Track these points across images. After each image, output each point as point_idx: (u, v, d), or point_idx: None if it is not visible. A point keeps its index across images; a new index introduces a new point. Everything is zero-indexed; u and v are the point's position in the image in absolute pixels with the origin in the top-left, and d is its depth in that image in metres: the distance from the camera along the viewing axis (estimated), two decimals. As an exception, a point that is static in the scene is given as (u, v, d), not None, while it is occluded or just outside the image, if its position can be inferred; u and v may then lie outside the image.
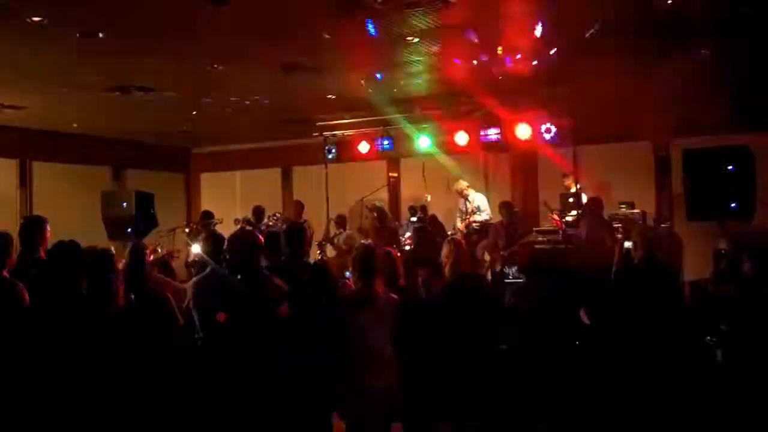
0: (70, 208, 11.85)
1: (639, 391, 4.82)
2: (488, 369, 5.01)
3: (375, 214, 10.58)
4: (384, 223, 10.39)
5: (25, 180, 12.35)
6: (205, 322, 4.72)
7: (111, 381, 4.14)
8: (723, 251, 5.50)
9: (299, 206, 12.00)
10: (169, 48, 7.59)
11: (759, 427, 4.33)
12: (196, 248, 7.43)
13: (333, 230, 11.34)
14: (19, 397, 4.00)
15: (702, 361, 4.78)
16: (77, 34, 6.87)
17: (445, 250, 5.39)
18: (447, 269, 5.30)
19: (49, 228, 5.58)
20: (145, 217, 10.53)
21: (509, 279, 8.48)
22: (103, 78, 8.76)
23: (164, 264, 6.97)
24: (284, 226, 7.44)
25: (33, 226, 5.63)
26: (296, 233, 5.22)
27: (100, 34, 6.94)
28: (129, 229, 10.04)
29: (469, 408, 4.99)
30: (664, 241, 5.09)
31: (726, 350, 5.03)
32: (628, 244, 5.24)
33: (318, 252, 11.05)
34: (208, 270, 5.09)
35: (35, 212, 11.53)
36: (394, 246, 9.60)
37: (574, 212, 9.96)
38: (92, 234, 9.11)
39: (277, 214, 11.39)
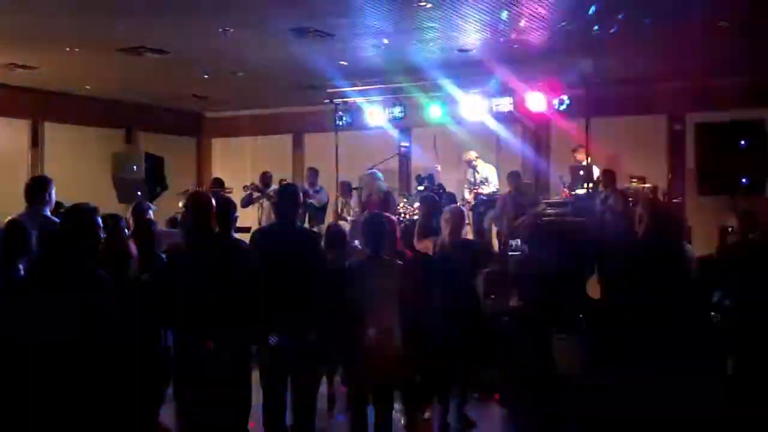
0: (81, 170, 11.94)
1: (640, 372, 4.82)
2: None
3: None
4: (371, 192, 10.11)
5: (36, 141, 12.39)
6: None
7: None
8: (730, 228, 5.43)
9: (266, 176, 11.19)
10: (180, 10, 7.53)
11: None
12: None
13: (339, 204, 11.24)
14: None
15: (705, 338, 4.76)
16: (87, -8, 6.85)
17: (444, 216, 5.52)
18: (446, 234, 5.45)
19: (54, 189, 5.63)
20: (155, 180, 10.56)
21: (513, 250, 8.39)
22: (115, 39, 8.73)
23: None
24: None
25: (39, 185, 5.67)
26: (285, 196, 5.06)
27: (111, -6, 6.93)
28: (139, 192, 10.06)
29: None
30: (671, 216, 5.05)
31: (729, 326, 5.00)
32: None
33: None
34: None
35: (46, 173, 11.59)
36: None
37: (584, 185, 9.89)
38: (102, 196, 9.19)
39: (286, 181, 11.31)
